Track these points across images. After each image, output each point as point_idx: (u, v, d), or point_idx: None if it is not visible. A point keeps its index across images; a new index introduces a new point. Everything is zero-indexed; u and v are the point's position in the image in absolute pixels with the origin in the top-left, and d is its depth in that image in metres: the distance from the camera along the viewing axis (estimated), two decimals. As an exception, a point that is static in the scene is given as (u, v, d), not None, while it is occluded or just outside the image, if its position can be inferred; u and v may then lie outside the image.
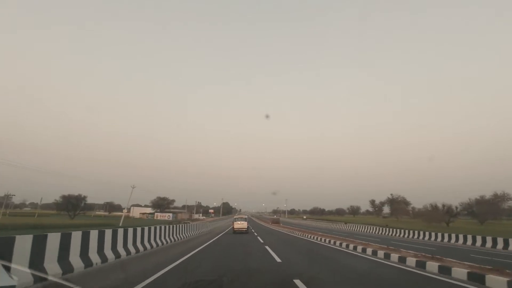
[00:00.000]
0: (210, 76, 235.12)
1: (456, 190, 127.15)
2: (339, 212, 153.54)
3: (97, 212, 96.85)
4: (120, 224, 42.18)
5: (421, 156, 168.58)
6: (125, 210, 45.23)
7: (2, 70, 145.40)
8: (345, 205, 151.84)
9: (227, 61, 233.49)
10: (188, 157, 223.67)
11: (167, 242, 13.88)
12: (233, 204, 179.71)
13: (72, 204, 58.52)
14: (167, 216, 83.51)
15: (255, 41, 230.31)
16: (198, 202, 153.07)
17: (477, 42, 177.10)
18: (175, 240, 15.52)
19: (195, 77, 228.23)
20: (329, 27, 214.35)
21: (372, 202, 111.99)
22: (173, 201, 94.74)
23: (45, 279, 4.84)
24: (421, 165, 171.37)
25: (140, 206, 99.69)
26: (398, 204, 70.72)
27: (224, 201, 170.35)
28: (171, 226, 15.60)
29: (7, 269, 4.01)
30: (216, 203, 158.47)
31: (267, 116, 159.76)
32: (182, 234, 17.70)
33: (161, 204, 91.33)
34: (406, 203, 73.07)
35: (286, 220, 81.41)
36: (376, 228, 38.68)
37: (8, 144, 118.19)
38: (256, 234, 24.18)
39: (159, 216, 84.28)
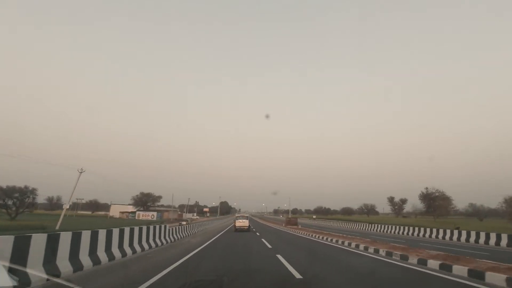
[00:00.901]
0: (210, 77, 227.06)
1: (457, 191, 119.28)
2: (347, 211, 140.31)
3: (79, 212, 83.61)
4: (57, 227, 27.37)
5: (421, 156, 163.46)
6: (65, 206, 30.40)
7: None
8: (347, 205, 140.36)
9: (227, 61, 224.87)
10: (188, 157, 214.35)
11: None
12: (233, 204, 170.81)
13: (16, 200, 43.45)
14: (151, 215, 68.52)
15: (255, 42, 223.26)
16: (196, 201, 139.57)
17: (478, 42, 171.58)
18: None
19: (194, 77, 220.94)
20: (330, 27, 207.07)
21: (391, 200, 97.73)
22: (160, 197, 79.01)
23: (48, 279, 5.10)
24: (421, 165, 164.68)
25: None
26: (443, 201, 56.19)
27: (223, 200, 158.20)
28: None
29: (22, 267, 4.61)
30: (215, 203, 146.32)
31: (267, 116, 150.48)
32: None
33: (145, 201, 75.95)
34: (446, 199, 58.66)
35: (301, 221, 66.66)
36: (435, 231, 24.79)
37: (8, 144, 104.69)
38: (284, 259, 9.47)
39: (142, 215, 69.29)
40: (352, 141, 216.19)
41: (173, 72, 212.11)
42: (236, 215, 30.76)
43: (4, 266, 2.76)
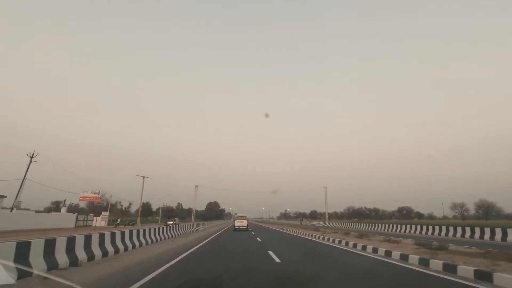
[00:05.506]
0: (209, 77, 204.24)
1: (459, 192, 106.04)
2: (404, 213, 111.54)
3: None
4: None
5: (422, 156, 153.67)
6: None
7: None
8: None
9: (226, 61, 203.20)
10: (187, 158, 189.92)
11: None
12: (228, 208, 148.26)
13: None
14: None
15: (255, 43, 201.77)
16: (179, 202, 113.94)
17: (477, 41, 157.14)
18: None
19: (193, 77, 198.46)
20: (330, 27, 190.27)
21: (462, 206, 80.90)
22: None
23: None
24: (422, 165, 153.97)
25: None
26: None
27: (212, 201, 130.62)
28: None
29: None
30: (211, 207, 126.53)
31: (266, 115, 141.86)
32: None
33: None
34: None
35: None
36: None
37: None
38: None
39: None
40: (366, 141, 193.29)
41: (172, 72, 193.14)
42: (236, 216, 35.60)
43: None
